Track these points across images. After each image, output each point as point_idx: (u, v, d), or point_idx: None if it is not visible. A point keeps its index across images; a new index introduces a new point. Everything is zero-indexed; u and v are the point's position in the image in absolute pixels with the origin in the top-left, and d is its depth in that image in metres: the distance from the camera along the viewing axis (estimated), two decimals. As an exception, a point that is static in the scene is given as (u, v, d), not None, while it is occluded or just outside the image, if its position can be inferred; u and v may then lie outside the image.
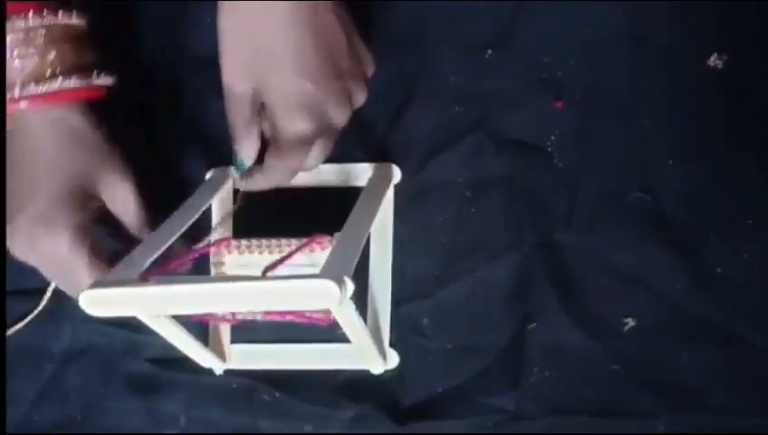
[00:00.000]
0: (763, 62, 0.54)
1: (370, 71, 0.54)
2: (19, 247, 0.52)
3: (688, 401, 0.52)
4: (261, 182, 0.53)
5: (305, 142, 0.51)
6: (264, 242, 0.53)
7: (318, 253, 0.52)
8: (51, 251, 0.52)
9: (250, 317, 0.51)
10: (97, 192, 0.53)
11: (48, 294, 0.60)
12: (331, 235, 0.51)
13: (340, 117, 0.52)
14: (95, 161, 0.53)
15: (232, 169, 0.56)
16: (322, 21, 0.50)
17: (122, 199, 0.54)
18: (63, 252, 0.51)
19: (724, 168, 0.53)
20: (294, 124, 0.50)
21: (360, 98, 0.54)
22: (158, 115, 0.61)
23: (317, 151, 0.52)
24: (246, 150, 0.53)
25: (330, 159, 0.56)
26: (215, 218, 0.58)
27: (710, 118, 0.54)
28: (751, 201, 0.53)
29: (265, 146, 0.53)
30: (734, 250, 0.52)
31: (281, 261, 0.47)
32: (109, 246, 0.54)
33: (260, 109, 0.52)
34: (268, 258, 0.52)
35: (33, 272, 0.54)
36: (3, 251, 0.52)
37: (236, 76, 0.50)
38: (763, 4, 0.54)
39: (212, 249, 0.54)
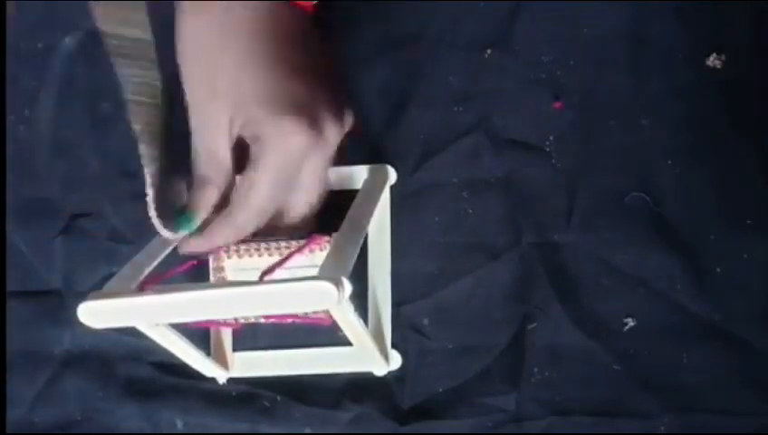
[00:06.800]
0: (763, 62, 0.53)
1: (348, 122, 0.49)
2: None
3: (688, 401, 0.52)
4: (219, 238, 0.47)
5: (297, 158, 0.45)
6: (263, 245, 0.52)
7: (318, 253, 0.51)
8: None
9: (252, 321, 0.51)
10: None
11: None
12: (330, 235, 0.51)
13: (333, 128, 0.46)
14: None
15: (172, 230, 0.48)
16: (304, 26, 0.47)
17: None
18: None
19: (724, 168, 0.53)
20: (285, 129, 0.44)
21: (349, 120, 0.48)
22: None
23: (308, 178, 0.47)
24: (207, 199, 0.46)
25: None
26: None
27: (709, 118, 0.54)
28: (751, 201, 0.52)
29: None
30: (734, 250, 0.52)
31: (278, 264, 0.46)
32: None
33: None
34: (268, 261, 0.52)
35: (32, 272, 0.54)
36: (3, 251, 0.52)
37: (210, 94, 0.44)
38: (763, 4, 0.54)
39: (211, 255, 0.54)
